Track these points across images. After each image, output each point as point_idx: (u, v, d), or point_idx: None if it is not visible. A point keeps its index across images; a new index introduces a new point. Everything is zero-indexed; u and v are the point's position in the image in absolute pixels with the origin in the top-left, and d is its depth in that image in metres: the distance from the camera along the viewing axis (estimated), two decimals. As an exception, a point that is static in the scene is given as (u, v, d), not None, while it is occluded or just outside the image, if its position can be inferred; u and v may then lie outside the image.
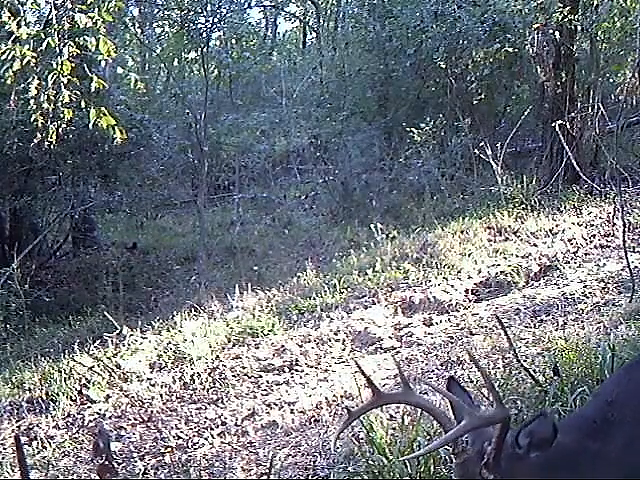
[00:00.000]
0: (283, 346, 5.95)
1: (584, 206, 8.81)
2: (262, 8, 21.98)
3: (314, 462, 4.12)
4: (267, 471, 3.94)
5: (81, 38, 5.55)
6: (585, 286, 6.22)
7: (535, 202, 9.06)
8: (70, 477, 4.40)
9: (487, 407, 3.08)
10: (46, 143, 5.82)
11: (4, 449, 4.76)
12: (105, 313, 7.58)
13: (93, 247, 13.01)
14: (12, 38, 5.36)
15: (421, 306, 6.55)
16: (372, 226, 9.03)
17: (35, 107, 5.58)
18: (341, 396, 4.94)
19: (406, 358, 5.41)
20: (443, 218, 9.56)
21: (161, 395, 5.35)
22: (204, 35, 13.33)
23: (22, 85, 5.74)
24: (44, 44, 5.40)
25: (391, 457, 3.63)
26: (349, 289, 7.20)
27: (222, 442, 4.61)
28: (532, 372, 4.19)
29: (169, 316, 7.08)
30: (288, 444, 4.43)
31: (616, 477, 2.46)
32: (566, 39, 9.76)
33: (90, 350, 6.16)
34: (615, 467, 2.46)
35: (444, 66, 11.59)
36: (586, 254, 7.38)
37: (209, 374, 5.60)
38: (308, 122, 15.20)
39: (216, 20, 13.49)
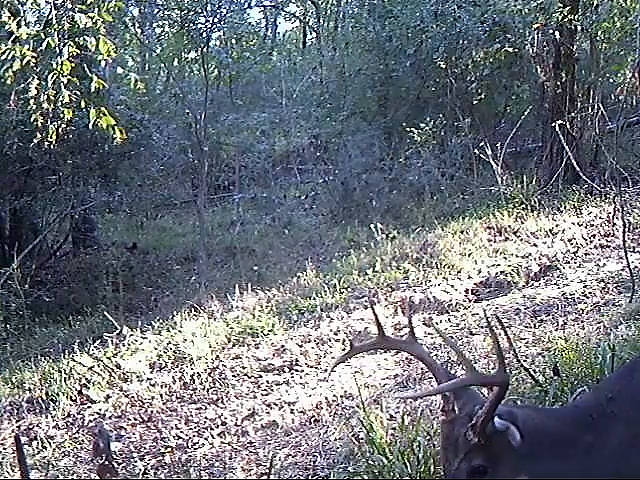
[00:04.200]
0: (283, 346, 5.95)
1: (584, 206, 8.81)
2: (262, 8, 21.97)
3: (314, 462, 4.12)
4: (267, 471, 3.94)
5: (81, 38, 5.54)
6: (585, 286, 6.22)
7: (535, 202, 9.05)
8: (70, 477, 4.40)
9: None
10: (46, 143, 5.82)
11: (4, 449, 4.76)
12: (105, 313, 7.59)
13: (93, 247, 13.00)
14: (12, 38, 5.36)
15: (421, 306, 6.55)
16: (372, 226, 9.03)
17: (35, 107, 5.58)
18: (341, 396, 4.94)
19: (406, 358, 5.40)
20: (443, 218, 9.55)
21: (161, 395, 5.35)
22: (204, 35, 13.35)
23: (22, 85, 5.74)
24: (44, 44, 5.40)
25: (391, 457, 3.63)
26: (349, 289, 7.19)
27: (222, 442, 4.61)
28: (532, 372, 4.19)
29: (169, 316, 7.08)
30: (288, 444, 4.43)
31: (607, 473, 2.45)
32: (566, 39, 9.76)
33: (90, 350, 6.16)
34: (608, 463, 2.46)
35: (444, 66, 11.59)
36: (586, 254, 7.38)
37: (209, 374, 5.60)
38: (308, 122, 15.20)
39: (216, 20, 13.50)
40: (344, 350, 5.78)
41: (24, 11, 5.94)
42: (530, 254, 7.45)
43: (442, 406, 2.52)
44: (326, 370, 5.52)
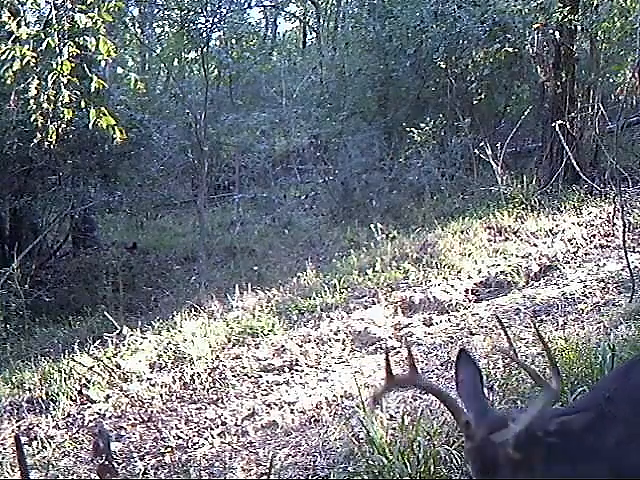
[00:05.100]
0: (283, 346, 5.95)
1: (584, 206, 8.81)
2: (262, 8, 21.99)
3: (314, 462, 4.12)
4: (267, 471, 3.94)
5: (81, 38, 5.54)
6: (585, 286, 6.22)
7: (535, 202, 9.06)
8: (70, 477, 4.40)
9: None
10: (46, 143, 5.82)
11: (4, 449, 4.75)
12: (105, 313, 7.58)
13: (93, 247, 13.00)
14: (12, 38, 5.36)
15: (421, 306, 6.55)
16: (372, 226, 9.04)
17: (35, 107, 5.58)
18: (341, 396, 4.94)
19: (406, 358, 5.39)
20: (443, 218, 9.56)
21: (161, 395, 5.34)
22: (204, 35, 13.34)
23: (22, 85, 5.74)
24: (44, 44, 5.41)
25: (391, 457, 3.63)
26: (349, 289, 7.19)
27: (222, 442, 4.61)
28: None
29: (169, 316, 7.08)
30: (288, 444, 4.43)
31: (605, 473, 2.45)
32: (566, 39, 9.77)
33: (90, 350, 6.16)
34: (605, 463, 2.45)
35: (444, 66, 11.60)
36: (586, 254, 7.38)
37: (209, 374, 5.60)
38: (308, 122, 15.21)
39: (216, 20, 13.49)
40: (344, 350, 5.80)
41: (24, 11, 5.95)
42: (530, 254, 7.45)
43: (465, 433, 2.44)
44: (326, 370, 5.52)
